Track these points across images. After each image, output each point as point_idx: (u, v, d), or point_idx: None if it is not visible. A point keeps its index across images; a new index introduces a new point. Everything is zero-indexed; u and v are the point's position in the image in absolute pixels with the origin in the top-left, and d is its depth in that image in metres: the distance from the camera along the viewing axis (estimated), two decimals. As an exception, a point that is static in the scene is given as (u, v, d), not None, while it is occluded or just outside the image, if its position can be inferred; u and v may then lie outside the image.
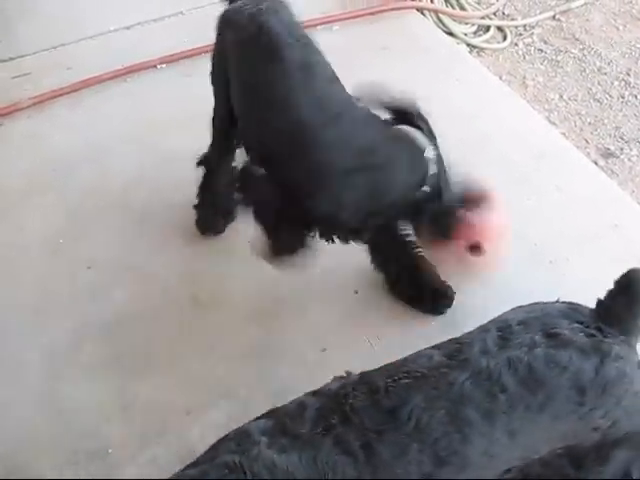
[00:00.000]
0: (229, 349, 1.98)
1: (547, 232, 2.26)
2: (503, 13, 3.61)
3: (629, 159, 2.84)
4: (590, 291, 1.31)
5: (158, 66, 2.98)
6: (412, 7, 3.28)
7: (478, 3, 3.53)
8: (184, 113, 2.71)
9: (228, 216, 2.28)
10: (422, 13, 3.34)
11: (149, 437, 1.79)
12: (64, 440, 1.78)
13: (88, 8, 3.14)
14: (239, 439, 1.16)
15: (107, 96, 2.83)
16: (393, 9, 3.23)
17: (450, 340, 1.30)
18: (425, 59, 3.01)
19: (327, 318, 2.04)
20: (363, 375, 1.27)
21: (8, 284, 2.16)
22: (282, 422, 1.18)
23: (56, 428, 1.81)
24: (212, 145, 2.16)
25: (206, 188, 2.24)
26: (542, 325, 1.24)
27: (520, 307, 1.35)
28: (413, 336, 1.90)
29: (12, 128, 2.71)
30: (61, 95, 2.82)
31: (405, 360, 1.27)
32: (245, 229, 2.29)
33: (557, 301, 1.34)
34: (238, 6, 1.91)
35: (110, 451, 1.76)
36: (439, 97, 2.76)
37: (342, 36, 3.12)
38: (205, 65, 2.08)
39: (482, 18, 3.42)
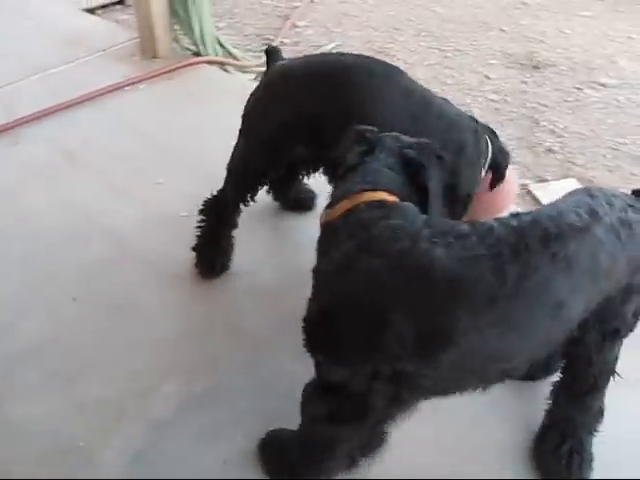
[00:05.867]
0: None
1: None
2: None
3: None
4: None
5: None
6: (203, 62, 3.84)
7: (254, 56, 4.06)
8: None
9: (228, 260, 2.37)
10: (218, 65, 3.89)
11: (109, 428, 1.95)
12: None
13: None
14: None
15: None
16: (187, 65, 3.76)
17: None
18: (224, 99, 3.44)
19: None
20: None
21: None
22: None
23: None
24: (232, 190, 2.22)
25: (213, 231, 2.30)
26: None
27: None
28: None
29: None
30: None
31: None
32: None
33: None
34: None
35: (81, 444, 1.89)
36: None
37: (149, 92, 3.58)
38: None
39: (259, 66, 3.91)
